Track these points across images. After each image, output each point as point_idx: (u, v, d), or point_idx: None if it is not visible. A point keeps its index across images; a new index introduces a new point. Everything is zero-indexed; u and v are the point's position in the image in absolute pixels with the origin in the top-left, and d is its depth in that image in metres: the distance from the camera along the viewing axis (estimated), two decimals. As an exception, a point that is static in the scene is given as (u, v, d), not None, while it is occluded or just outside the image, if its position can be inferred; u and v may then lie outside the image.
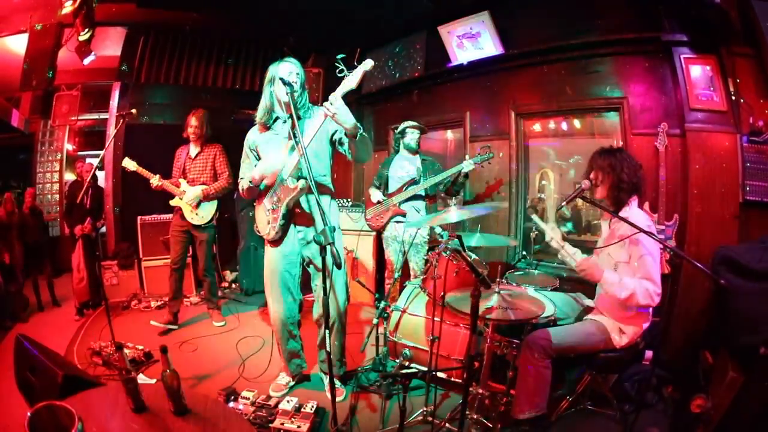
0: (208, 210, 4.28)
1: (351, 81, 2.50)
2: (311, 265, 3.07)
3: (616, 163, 2.50)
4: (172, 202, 4.24)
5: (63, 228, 5.74)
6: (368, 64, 2.50)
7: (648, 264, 2.36)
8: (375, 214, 4.46)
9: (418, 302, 3.44)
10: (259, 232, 3.05)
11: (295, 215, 2.91)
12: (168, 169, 4.36)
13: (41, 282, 4.99)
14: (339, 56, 2.54)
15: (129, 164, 4.16)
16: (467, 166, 4.04)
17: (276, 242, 2.97)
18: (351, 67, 2.51)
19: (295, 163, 2.74)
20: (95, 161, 3.96)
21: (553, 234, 2.74)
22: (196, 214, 4.22)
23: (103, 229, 5.80)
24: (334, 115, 2.48)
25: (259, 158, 2.95)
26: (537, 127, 4.70)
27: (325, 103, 2.49)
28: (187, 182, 4.24)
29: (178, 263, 4.36)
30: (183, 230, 4.31)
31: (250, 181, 2.85)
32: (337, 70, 2.54)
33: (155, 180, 4.11)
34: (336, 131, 2.84)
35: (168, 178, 4.26)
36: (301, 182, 2.72)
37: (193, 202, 4.15)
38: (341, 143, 2.87)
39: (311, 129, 2.69)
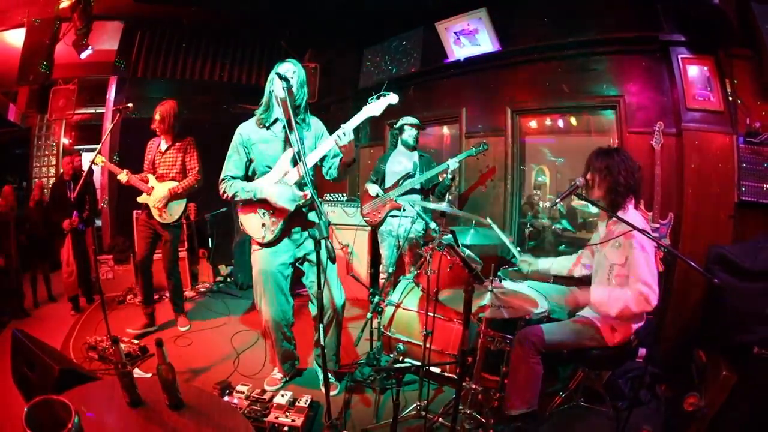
0: (176, 209, 4.09)
1: (374, 110, 2.70)
2: (305, 263, 3.04)
3: (613, 165, 2.44)
4: (140, 199, 4.08)
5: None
6: (393, 99, 2.73)
7: (641, 266, 2.33)
8: (372, 209, 4.47)
9: (412, 297, 3.45)
10: (246, 231, 2.98)
11: (292, 218, 2.88)
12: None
13: (39, 277, 4.97)
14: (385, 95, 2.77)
15: (98, 159, 3.96)
16: (452, 164, 4.10)
17: (269, 244, 2.91)
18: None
19: (299, 174, 2.76)
20: (90, 155, 3.89)
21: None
22: (163, 213, 4.04)
23: (98, 223, 5.78)
24: (343, 147, 2.66)
25: (250, 156, 2.90)
26: (533, 124, 4.71)
27: (338, 132, 2.63)
28: (156, 177, 4.07)
29: (145, 261, 4.12)
30: (149, 227, 4.12)
31: (254, 195, 2.79)
32: (369, 97, 2.74)
33: (123, 176, 3.95)
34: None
35: (141, 171, 4.12)
36: (306, 189, 2.72)
37: (160, 204, 3.97)
38: (323, 159, 2.93)
39: (319, 149, 2.76)
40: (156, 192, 3.99)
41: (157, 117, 3.95)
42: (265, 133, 2.86)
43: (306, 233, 2.93)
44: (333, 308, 2.99)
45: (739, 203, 3.30)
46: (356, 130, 2.68)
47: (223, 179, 2.90)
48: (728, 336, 2.78)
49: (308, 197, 2.73)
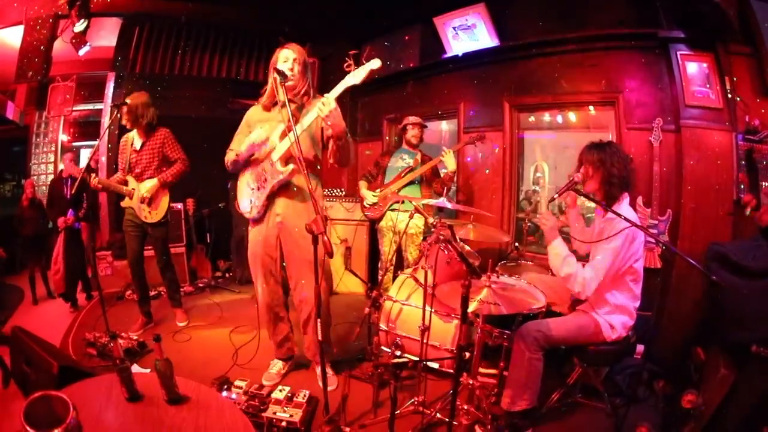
0: (161, 207, 3.95)
1: (355, 77, 2.55)
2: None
3: (606, 157, 2.47)
4: (124, 204, 3.94)
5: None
6: (375, 63, 2.54)
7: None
8: (372, 204, 4.48)
9: (410, 292, 3.46)
10: (238, 207, 3.06)
11: (276, 198, 2.90)
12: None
13: (36, 274, 4.97)
14: (351, 52, 2.57)
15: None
16: (447, 156, 4.10)
17: (256, 222, 3.00)
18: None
19: (287, 148, 2.73)
20: (89, 151, 3.88)
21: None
22: (149, 212, 3.88)
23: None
24: (326, 116, 2.52)
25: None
26: (532, 119, 4.71)
27: (318, 103, 2.52)
28: (134, 178, 3.90)
29: (136, 260, 4.05)
30: (137, 226, 3.97)
31: (236, 154, 2.87)
32: (345, 64, 2.56)
33: (94, 180, 3.70)
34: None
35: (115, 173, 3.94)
36: (290, 167, 2.73)
37: (149, 194, 3.81)
38: (326, 141, 2.88)
39: (308, 118, 2.68)
40: (143, 187, 3.86)
41: (124, 109, 3.74)
42: (267, 114, 2.94)
43: (291, 218, 2.91)
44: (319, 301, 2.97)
45: (738, 201, 3.30)
46: (353, 127, 2.67)
47: (227, 153, 3.02)
48: (727, 334, 2.78)
49: (290, 171, 2.73)
